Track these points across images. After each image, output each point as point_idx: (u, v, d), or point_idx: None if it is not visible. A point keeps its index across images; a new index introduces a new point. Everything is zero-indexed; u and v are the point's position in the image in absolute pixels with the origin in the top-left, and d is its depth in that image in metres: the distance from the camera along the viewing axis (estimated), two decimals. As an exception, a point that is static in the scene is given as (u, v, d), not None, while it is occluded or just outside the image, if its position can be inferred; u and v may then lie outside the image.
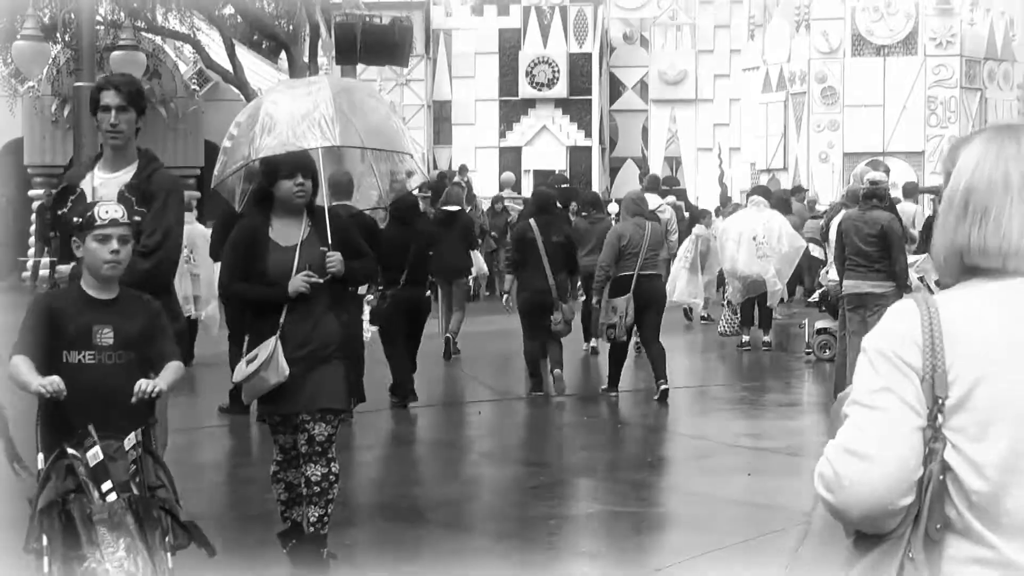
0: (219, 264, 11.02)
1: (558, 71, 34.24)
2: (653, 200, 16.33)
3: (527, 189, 30.92)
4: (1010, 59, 30.18)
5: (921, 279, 12.70)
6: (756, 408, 12.47)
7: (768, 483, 9.08)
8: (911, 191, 20.75)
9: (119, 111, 6.10)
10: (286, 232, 6.59)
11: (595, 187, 32.38)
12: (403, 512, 8.28)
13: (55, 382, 4.88)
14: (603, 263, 12.65)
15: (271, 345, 6.42)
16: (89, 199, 5.77)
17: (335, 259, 6.51)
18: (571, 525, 8.04)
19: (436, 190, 24.88)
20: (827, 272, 14.76)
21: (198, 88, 26.80)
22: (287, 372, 6.39)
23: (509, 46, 34.60)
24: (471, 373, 14.95)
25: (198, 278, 14.04)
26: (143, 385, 5.03)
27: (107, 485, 4.90)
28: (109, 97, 6.10)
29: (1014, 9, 30.50)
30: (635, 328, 12.83)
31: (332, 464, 6.52)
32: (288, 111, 6.78)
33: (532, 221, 13.03)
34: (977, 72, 29.41)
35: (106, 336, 5.12)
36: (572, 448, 10.81)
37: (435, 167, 31.75)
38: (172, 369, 5.24)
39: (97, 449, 4.94)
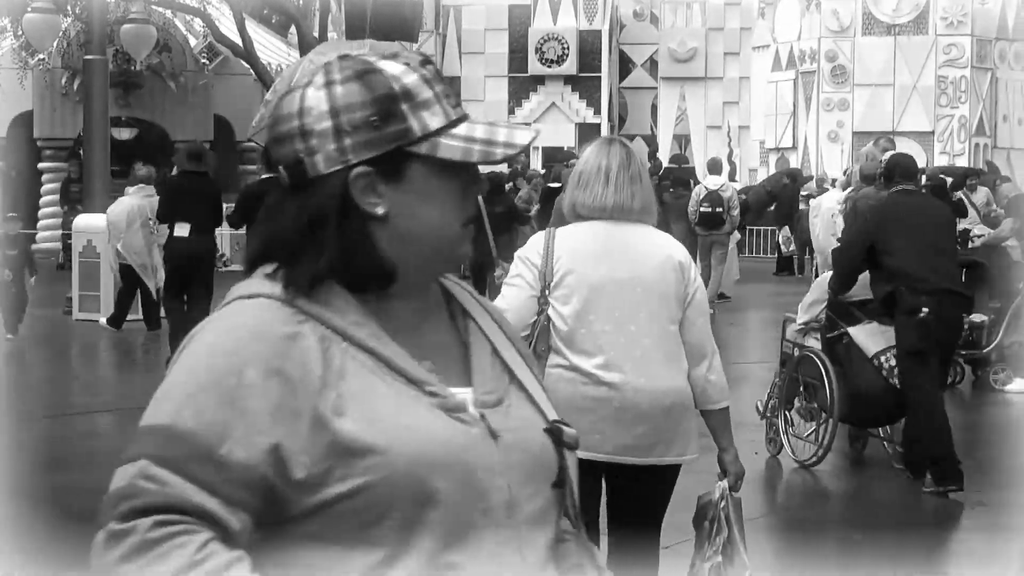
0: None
1: (568, 48, 34.20)
2: (715, 180, 17.19)
3: (536, 166, 30.93)
4: (1021, 39, 30.11)
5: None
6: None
7: (779, 462, 9.08)
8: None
9: None
10: None
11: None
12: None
13: None
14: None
15: None
16: None
17: None
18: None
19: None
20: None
21: (208, 62, 26.80)
22: None
23: (519, 22, 34.57)
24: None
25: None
26: None
27: None
28: None
29: (1026, -11, 30.43)
30: None
31: None
32: None
33: (480, 198, 15.64)
34: (988, 52, 29.34)
35: None
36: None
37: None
38: None
39: None
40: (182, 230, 12.24)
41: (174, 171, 13.82)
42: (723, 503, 4.39)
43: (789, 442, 8.69)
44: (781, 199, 24.60)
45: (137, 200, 14.46)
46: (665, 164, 26.26)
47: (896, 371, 8.04)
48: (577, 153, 30.72)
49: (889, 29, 28.89)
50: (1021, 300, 11.95)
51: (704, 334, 4.42)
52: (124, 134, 24.55)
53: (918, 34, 28.79)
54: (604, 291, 4.32)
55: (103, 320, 15.10)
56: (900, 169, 8.51)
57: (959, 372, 11.78)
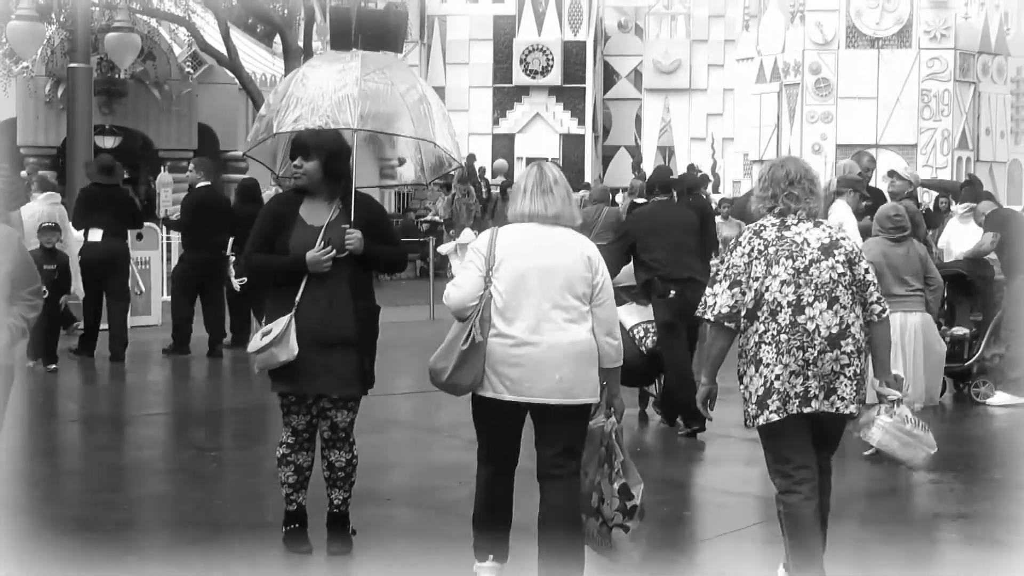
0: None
1: (552, 59, 34.25)
2: None
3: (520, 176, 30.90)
4: (1004, 53, 30.23)
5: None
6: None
7: (754, 473, 9.12)
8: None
9: None
10: (315, 212, 6.65)
11: (587, 176, 32.39)
12: (403, 495, 8.31)
13: None
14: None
15: (284, 322, 6.48)
16: None
17: (354, 236, 6.56)
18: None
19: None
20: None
21: (192, 71, 26.72)
22: (296, 351, 6.45)
23: (503, 33, 34.60)
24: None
25: None
26: None
27: None
28: None
29: (1009, 3, 30.56)
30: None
31: (353, 448, 6.76)
32: (317, 87, 6.82)
33: None
34: (971, 65, 29.44)
35: None
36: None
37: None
38: None
39: None
40: (95, 235, 13.82)
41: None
42: (613, 435, 5.86)
43: None
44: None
45: (45, 207, 14.44)
46: (649, 175, 26.27)
47: (645, 341, 10.22)
48: (561, 164, 30.76)
49: (873, 42, 28.98)
50: (1002, 313, 11.98)
51: (611, 310, 5.90)
52: (108, 142, 24.46)
53: (901, 47, 28.89)
54: (529, 275, 5.77)
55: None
56: (659, 184, 11.21)
57: (942, 385, 11.79)
